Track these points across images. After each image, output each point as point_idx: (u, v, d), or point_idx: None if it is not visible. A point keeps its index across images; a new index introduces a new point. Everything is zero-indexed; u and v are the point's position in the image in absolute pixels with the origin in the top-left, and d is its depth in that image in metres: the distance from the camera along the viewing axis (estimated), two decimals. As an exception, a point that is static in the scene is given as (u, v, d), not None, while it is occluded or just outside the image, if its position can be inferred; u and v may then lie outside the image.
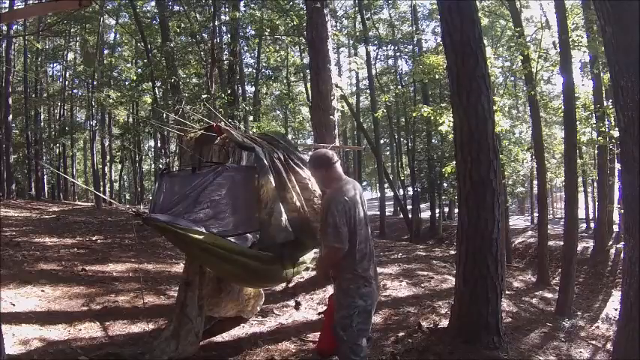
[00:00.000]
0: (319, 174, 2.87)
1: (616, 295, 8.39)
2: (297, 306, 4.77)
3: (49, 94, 21.70)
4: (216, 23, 12.59)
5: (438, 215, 20.33)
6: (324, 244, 2.82)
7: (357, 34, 19.95)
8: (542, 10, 14.27)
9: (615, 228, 12.77)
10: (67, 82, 21.32)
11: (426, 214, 21.02)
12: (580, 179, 14.21)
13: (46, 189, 22.57)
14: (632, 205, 2.63)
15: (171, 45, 12.35)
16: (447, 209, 23.67)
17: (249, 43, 15.56)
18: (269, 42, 16.04)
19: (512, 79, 16.94)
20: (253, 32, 14.92)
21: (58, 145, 22.25)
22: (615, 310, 7.12)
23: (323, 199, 2.93)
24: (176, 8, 13.45)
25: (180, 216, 2.87)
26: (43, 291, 4.63)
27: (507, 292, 6.79)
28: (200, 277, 3.28)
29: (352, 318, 2.68)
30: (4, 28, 14.72)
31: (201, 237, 2.80)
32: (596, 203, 14.33)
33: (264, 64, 17.11)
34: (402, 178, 23.30)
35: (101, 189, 19.39)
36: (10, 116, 16.99)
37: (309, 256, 3.61)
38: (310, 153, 4.79)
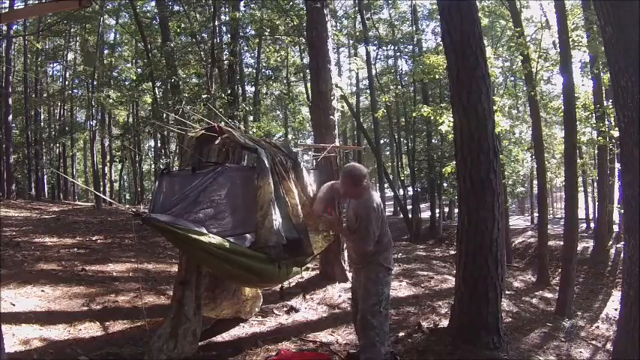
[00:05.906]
0: (355, 188, 3.13)
1: (616, 295, 8.41)
2: (296, 310, 4.72)
3: (49, 94, 21.69)
4: (216, 23, 12.58)
5: (438, 215, 20.31)
6: (354, 241, 3.21)
7: (357, 34, 19.94)
8: (542, 10, 14.24)
9: (615, 228, 12.78)
10: (67, 82, 21.32)
11: (426, 214, 21.01)
12: (580, 179, 14.19)
13: (46, 189, 22.56)
14: (632, 205, 2.64)
15: (172, 45, 12.34)
16: (447, 209, 23.66)
17: (249, 43, 15.54)
18: (269, 42, 16.02)
19: (512, 79, 16.96)
20: (253, 32, 14.91)
21: (58, 145, 22.24)
22: (615, 310, 7.13)
23: (356, 204, 3.18)
24: (176, 8, 13.43)
25: (180, 216, 2.86)
26: (43, 291, 4.63)
27: (507, 292, 6.80)
28: (197, 277, 3.28)
29: (381, 304, 3.10)
30: (4, 28, 14.71)
31: (200, 237, 2.79)
32: (596, 203, 14.33)
33: (264, 64, 17.10)
34: (402, 178, 23.27)
35: (101, 189, 19.37)
36: (10, 116, 16.97)
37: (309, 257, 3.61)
38: (311, 153, 4.82)
